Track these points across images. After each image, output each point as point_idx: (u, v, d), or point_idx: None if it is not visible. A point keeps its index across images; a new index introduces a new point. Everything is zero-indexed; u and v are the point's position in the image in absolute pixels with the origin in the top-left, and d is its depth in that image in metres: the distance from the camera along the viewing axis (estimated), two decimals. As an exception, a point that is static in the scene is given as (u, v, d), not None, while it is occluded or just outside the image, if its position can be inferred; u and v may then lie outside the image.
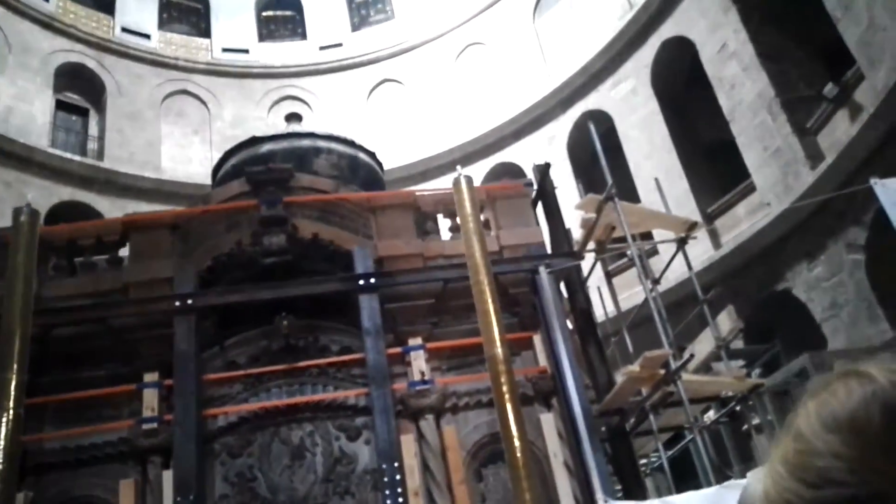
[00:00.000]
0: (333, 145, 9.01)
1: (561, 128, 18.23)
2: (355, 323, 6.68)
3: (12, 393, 4.25)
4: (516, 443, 5.00)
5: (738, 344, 11.58)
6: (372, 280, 6.69)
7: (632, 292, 12.95)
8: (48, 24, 19.03)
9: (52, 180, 17.16)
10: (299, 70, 22.17)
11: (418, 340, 6.87)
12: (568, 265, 7.23)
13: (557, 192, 8.07)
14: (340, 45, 22.60)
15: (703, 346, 8.58)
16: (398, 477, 6.04)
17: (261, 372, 6.64)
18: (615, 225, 7.65)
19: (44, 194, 16.59)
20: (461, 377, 6.86)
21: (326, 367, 6.72)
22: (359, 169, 8.96)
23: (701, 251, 13.24)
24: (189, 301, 6.39)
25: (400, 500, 5.95)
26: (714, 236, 14.40)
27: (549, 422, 6.66)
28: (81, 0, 20.46)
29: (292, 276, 6.75)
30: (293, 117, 10.13)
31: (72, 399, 6.41)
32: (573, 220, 8.15)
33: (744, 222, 13.96)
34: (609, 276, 10.89)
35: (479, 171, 18.83)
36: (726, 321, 8.63)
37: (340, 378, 6.73)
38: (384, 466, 6.10)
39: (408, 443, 6.35)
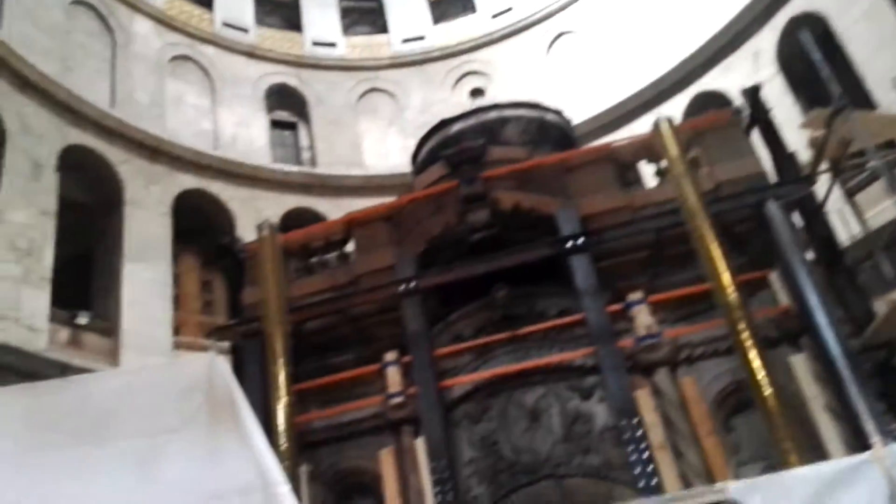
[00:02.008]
0: (519, 112, 8.99)
1: (765, 40, 16.36)
2: (569, 285, 6.66)
3: (282, 383, 4.87)
4: (767, 390, 4.68)
5: None
6: (580, 241, 6.62)
7: (881, 208, 11.34)
8: (251, 53, 21.17)
9: (277, 192, 19.17)
10: (474, 44, 22.38)
11: (639, 294, 6.65)
12: (800, 193, 6.53)
13: (773, 113, 7.32)
14: (510, 9, 22.43)
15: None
16: (639, 433, 5.96)
17: (486, 342, 6.88)
18: (851, 138, 6.76)
19: (273, 205, 18.60)
20: (692, 327, 6.51)
21: (548, 331, 6.79)
22: (548, 130, 8.86)
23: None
24: (412, 284, 6.81)
25: (645, 455, 5.86)
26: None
27: (800, 364, 6.09)
28: (275, 25, 22.47)
29: (500, 247, 6.87)
30: (476, 93, 10.32)
31: (327, 383, 7.13)
32: (797, 141, 7.34)
33: None
34: (850, 194, 9.64)
35: (676, 107, 17.61)
36: None
37: (564, 340, 6.75)
38: (623, 423, 6.04)
39: (644, 398, 6.21)
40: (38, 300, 12.72)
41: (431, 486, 6.32)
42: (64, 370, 11.67)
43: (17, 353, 11.40)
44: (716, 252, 5.01)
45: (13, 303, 12.16)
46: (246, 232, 9.00)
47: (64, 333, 13.48)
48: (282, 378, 4.89)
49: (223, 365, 3.99)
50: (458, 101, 19.23)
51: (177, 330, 15.53)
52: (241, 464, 3.68)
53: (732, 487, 3.46)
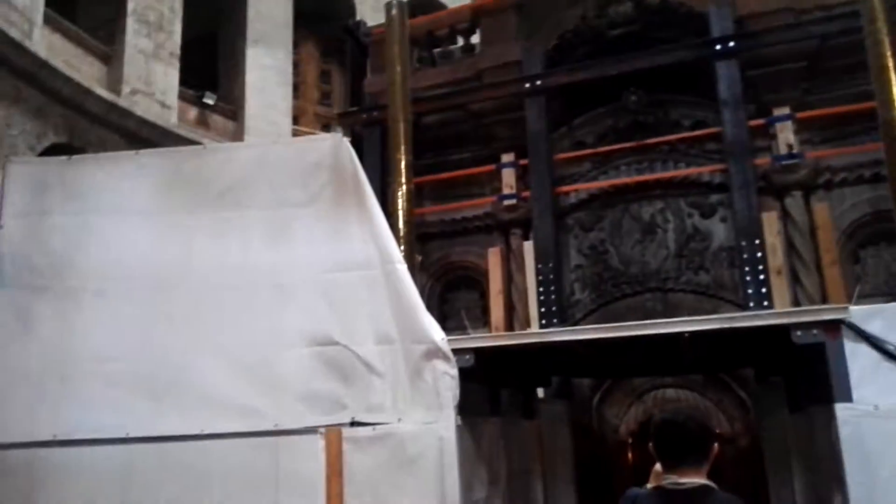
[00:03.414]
0: None
1: None
2: (710, 95, 6.16)
3: (403, 171, 4.93)
4: (914, 221, 4.31)
5: None
6: (731, 44, 5.98)
7: None
8: None
9: (400, -22, 18.22)
10: None
11: (785, 110, 6.11)
12: None
13: None
14: None
15: None
16: (759, 255, 5.76)
17: (609, 150, 6.64)
18: None
19: (394, -6, 17.81)
20: (838, 150, 6.02)
21: (677, 143, 6.43)
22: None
23: None
24: (538, 82, 6.50)
25: (760, 277, 5.71)
26: None
27: (953, 198, 5.59)
28: None
29: (640, 47, 6.34)
30: None
31: (443, 179, 7.23)
32: None
33: None
34: None
35: None
36: None
37: (693, 154, 6.41)
38: (743, 244, 5.84)
39: (770, 220, 5.94)
40: (169, 76, 13.22)
41: (535, 287, 6.50)
42: (194, 148, 12.36)
43: (151, 127, 12.11)
44: (890, 63, 4.37)
45: (146, 78, 12.71)
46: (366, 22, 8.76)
47: (192, 112, 14.15)
48: (403, 166, 4.93)
49: (348, 146, 4.05)
50: None
51: (295, 119, 15.96)
52: (362, 240, 3.86)
53: (853, 309, 3.29)
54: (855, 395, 3.15)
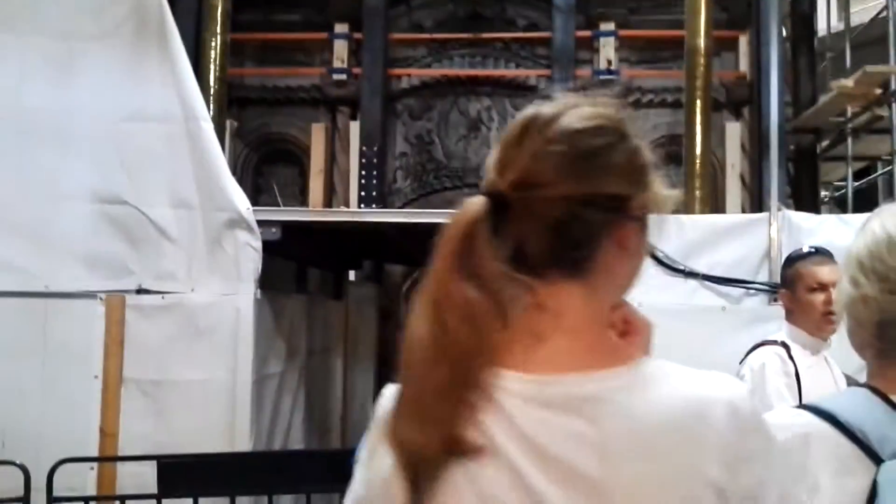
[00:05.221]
0: None
1: None
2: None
3: (220, 21, 4.46)
4: (698, 140, 4.73)
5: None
6: (570, -53, 6.03)
7: (867, 6, 10.79)
8: None
9: None
10: None
11: (611, 26, 6.37)
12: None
13: None
14: None
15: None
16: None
17: (445, 38, 6.54)
18: None
19: None
20: (650, 71, 6.44)
21: (511, 41, 6.49)
22: None
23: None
24: (380, -51, 6.14)
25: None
26: None
27: (734, 131, 6.32)
28: None
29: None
30: None
31: (269, 39, 6.69)
32: None
33: None
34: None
35: None
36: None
37: (524, 56, 6.53)
38: (554, 151, 6.14)
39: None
40: None
41: (358, 170, 6.40)
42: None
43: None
44: (703, -7, 4.64)
45: None
46: None
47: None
48: (220, 13, 4.44)
49: (154, -21, 3.55)
50: None
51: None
52: (163, 91, 3.50)
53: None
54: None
